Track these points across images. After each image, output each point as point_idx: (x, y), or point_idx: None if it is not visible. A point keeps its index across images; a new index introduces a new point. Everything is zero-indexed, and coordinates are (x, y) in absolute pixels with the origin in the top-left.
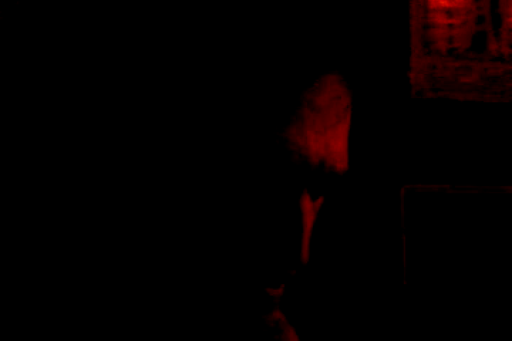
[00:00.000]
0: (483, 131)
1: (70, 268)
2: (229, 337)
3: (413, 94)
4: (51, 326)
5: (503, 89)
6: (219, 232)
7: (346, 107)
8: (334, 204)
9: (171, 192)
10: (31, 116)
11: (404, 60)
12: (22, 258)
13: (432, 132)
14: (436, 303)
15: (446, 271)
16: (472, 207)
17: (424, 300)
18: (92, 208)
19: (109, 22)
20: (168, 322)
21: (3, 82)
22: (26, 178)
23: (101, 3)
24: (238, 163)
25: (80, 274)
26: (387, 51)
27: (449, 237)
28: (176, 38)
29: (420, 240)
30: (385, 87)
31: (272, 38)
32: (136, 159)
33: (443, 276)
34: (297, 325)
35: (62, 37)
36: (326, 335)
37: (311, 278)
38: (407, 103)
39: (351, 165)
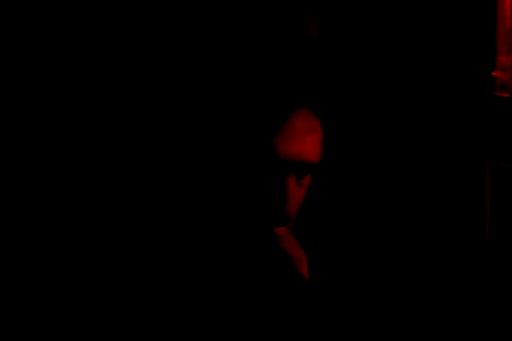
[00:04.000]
0: None
1: (70, 268)
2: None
3: (497, 89)
4: (51, 326)
5: None
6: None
7: (314, 127)
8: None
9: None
10: (31, 115)
11: (491, 60)
12: (22, 258)
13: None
14: None
15: None
16: None
17: (504, 259)
18: (92, 208)
19: (110, 22)
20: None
21: (3, 82)
22: (26, 178)
23: (101, 3)
24: (246, 161)
25: (80, 274)
26: (475, 54)
27: None
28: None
29: (502, 207)
30: (472, 84)
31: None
32: (136, 158)
33: None
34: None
35: (62, 37)
36: (410, 293)
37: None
38: (491, 97)
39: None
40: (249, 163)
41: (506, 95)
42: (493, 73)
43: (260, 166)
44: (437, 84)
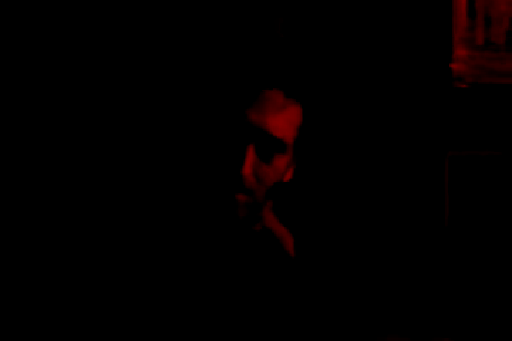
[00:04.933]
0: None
1: (70, 268)
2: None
3: (454, 81)
4: (51, 326)
5: None
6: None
7: (282, 105)
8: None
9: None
10: (31, 116)
11: (448, 53)
12: (22, 258)
13: (470, 110)
14: (475, 244)
15: (486, 221)
16: (506, 169)
17: (463, 242)
18: (92, 208)
19: (110, 22)
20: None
21: (4, 82)
22: (26, 178)
23: (101, 3)
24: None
25: (79, 274)
26: (433, 47)
27: (488, 193)
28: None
29: (461, 192)
30: (431, 76)
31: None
32: (135, 158)
33: (483, 225)
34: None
35: (62, 37)
36: (370, 274)
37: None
38: (449, 88)
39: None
40: (221, 127)
41: (463, 86)
42: (450, 65)
43: (228, 128)
44: (397, 76)
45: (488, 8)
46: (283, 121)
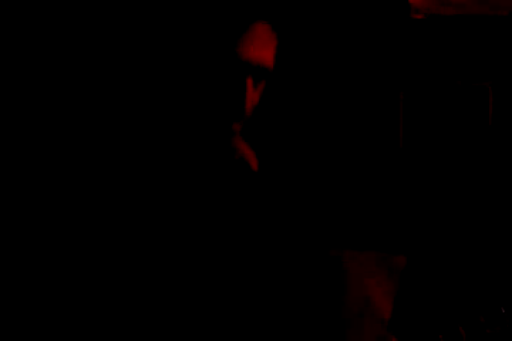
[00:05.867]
0: (466, 37)
1: (70, 268)
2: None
3: (411, 13)
4: (51, 326)
5: (484, 4)
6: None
7: (269, 38)
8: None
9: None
10: (31, 116)
11: None
12: (22, 258)
13: (427, 40)
14: (426, 164)
15: (436, 143)
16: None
17: (415, 162)
18: (92, 208)
19: (109, 22)
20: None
21: (3, 81)
22: (26, 178)
23: (101, 3)
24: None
25: (79, 274)
26: None
27: (438, 119)
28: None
29: (414, 118)
30: (389, 9)
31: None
32: (134, 158)
33: (432, 146)
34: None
35: (63, 37)
36: (328, 190)
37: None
38: (407, 19)
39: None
40: (217, 66)
41: (419, 17)
42: None
43: (226, 69)
44: (358, 9)
45: None
46: (271, 52)
